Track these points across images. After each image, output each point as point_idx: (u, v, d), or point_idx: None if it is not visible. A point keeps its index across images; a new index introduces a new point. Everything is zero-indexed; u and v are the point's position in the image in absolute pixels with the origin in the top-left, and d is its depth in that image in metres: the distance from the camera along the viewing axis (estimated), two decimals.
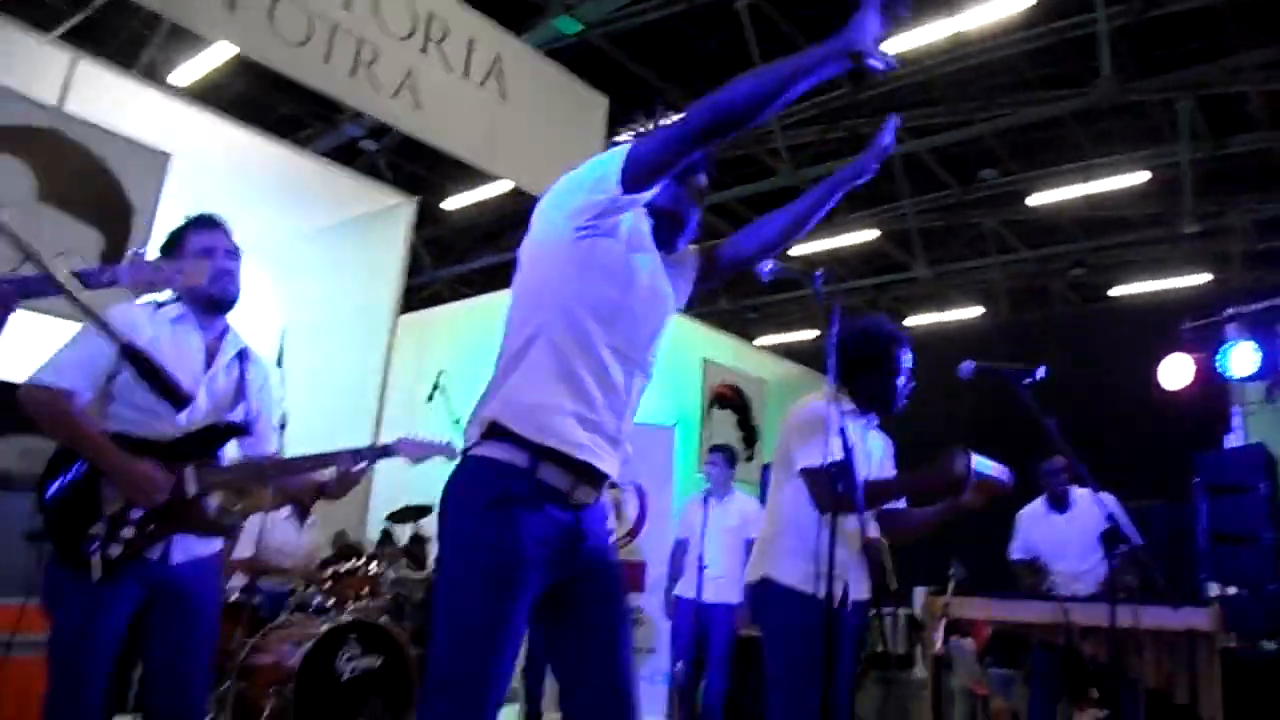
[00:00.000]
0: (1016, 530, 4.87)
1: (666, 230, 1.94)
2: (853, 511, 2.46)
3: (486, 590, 1.66)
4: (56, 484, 2.14)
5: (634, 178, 1.72)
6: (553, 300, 1.79)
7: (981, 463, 2.66)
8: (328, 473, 2.47)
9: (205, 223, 2.44)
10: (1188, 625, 3.64)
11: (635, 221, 1.87)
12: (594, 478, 1.80)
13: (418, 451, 2.66)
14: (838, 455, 2.46)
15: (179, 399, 1.14)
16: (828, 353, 2.49)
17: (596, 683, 1.76)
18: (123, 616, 2.14)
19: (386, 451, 2.61)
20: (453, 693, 1.63)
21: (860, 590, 2.83)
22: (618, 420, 1.82)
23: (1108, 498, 4.56)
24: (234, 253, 2.43)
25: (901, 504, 2.99)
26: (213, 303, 2.39)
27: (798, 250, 12.44)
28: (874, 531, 2.94)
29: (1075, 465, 4.41)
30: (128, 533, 2.13)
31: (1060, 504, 4.65)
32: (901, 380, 2.91)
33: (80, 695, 2.08)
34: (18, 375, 2.22)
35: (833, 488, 2.46)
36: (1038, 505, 4.80)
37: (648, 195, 1.77)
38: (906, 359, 2.94)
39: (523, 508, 1.70)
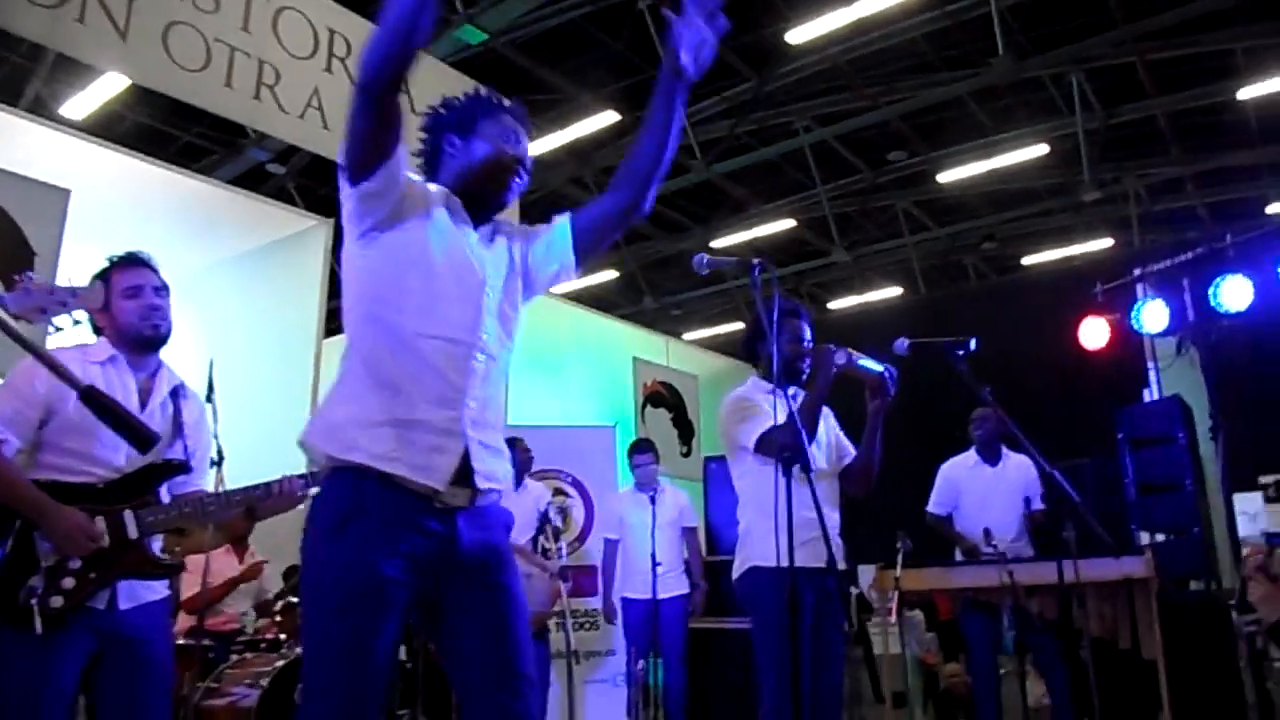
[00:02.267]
0: (938, 482, 4.87)
1: (479, 195, 1.89)
2: (807, 449, 2.49)
3: (344, 612, 1.60)
4: None
5: (351, 167, 1.69)
6: (360, 314, 1.77)
7: (861, 358, 2.92)
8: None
9: (130, 261, 2.38)
10: (1125, 574, 3.80)
11: (429, 205, 1.80)
12: (463, 479, 1.70)
13: None
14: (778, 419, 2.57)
15: (145, 440, 1.10)
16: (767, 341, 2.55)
17: (489, 671, 1.69)
18: (73, 672, 2.05)
19: (317, 479, 2.57)
20: (323, 716, 1.59)
21: (840, 558, 2.91)
22: (454, 410, 1.70)
23: (1026, 461, 4.68)
24: (163, 289, 2.37)
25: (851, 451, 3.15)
26: (144, 341, 2.32)
27: (716, 242, 12.58)
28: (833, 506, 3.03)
29: (1006, 423, 4.55)
30: (68, 583, 2.04)
31: (992, 456, 4.72)
32: (803, 345, 3.03)
33: None
34: None
35: (787, 437, 2.52)
36: (966, 456, 4.83)
37: (383, 171, 1.69)
38: (802, 328, 3.06)
39: (369, 523, 1.63)
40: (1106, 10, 8.31)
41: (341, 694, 1.58)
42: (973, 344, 2.80)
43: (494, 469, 1.77)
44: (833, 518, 2.94)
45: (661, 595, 5.09)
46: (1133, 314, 4.99)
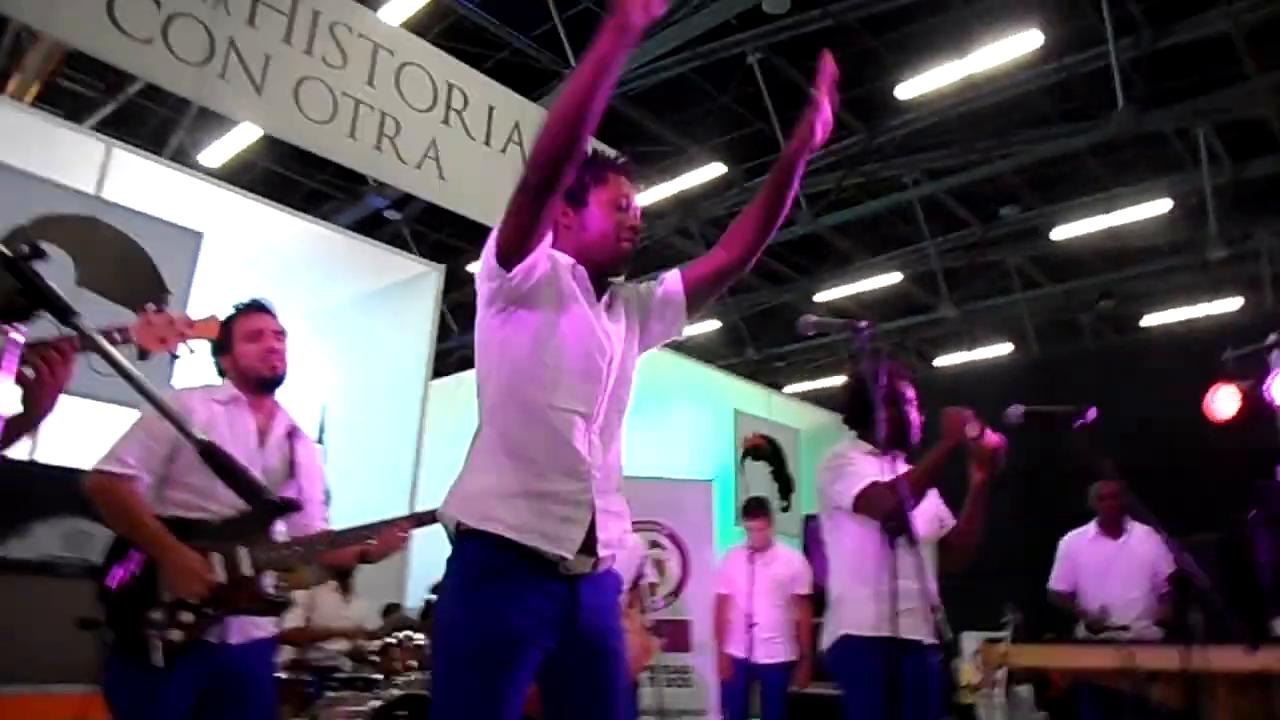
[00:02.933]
0: (1059, 557, 4.68)
1: (599, 266, 1.93)
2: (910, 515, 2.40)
3: (479, 663, 1.67)
4: (116, 571, 2.15)
5: (505, 254, 1.75)
6: (496, 386, 1.82)
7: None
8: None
9: (253, 307, 2.52)
10: (1263, 666, 3.52)
11: (558, 281, 1.85)
12: (587, 546, 1.77)
13: None
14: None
15: (255, 494, 1.13)
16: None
17: None
18: (183, 704, 2.12)
19: (430, 518, 2.61)
20: None
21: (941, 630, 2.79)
22: (583, 481, 1.78)
23: (1153, 531, 4.44)
24: (281, 333, 2.49)
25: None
26: (263, 382, 2.43)
27: (821, 296, 12.46)
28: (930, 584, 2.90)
29: (1126, 495, 4.33)
30: (187, 617, 2.12)
31: (1114, 529, 4.50)
32: (910, 412, 2.93)
33: None
34: (63, 459, 2.24)
35: (890, 491, 2.44)
36: (1087, 529, 4.63)
37: (530, 259, 1.76)
38: (908, 390, 2.96)
39: (505, 582, 1.71)
40: (1236, 61, 7.98)
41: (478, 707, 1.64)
42: (1091, 414, 2.66)
43: (614, 536, 1.84)
44: (931, 588, 2.80)
45: (761, 659, 4.95)
46: (1268, 383, 4.69)
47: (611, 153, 2.03)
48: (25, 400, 1.62)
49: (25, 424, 1.60)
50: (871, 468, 2.75)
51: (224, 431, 2.30)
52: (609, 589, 1.87)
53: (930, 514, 2.94)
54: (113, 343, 1.76)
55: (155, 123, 8.99)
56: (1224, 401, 4.82)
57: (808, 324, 2.36)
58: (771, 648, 4.96)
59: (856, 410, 3.01)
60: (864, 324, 2.30)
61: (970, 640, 6.39)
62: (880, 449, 2.74)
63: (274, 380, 2.45)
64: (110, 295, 5.36)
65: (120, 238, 5.43)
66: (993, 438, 2.81)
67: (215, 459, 1.02)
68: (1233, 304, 11.44)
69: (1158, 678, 3.66)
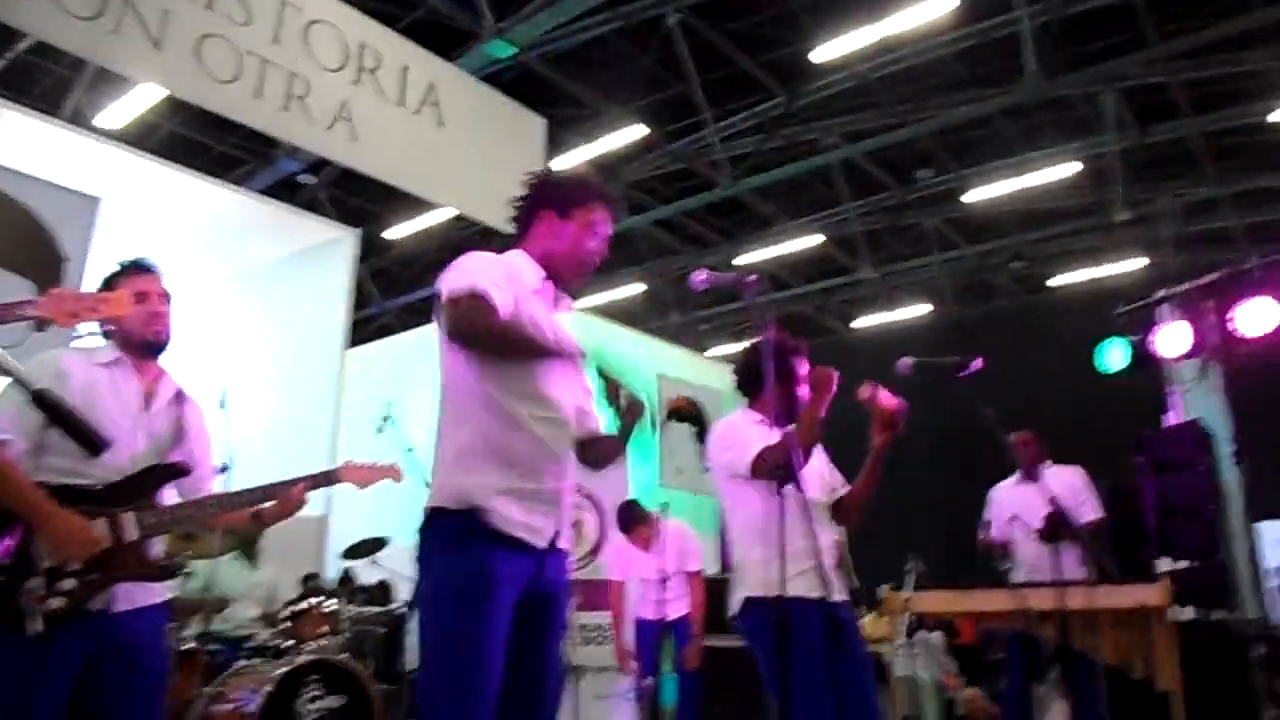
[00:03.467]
0: (988, 507, 4.84)
1: (560, 278, 2.17)
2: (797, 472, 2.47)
3: (464, 602, 1.88)
4: None
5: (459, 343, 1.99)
6: (476, 398, 2.01)
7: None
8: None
9: (137, 268, 2.43)
10: (1139, 601, 3.72)
11: (529, 302, 2.04)
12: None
13: (363, 476, 2.68)
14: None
15: (94, 445, 1.12)
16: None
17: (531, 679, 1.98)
18: (68, 675, 2.07)
19: (331, 478, 2.60)
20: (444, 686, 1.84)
21: (842, 591, 2.84)
22: (560, 481, 2.04)
23: (1072, 473, 4.62)
24: (166, 295, 2.41)
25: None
26: (146, 346, 2.36)
27: (742, 258, 12.57)
28: (831, 534, 2.96)
29: (1042, 442, 4.49)
30: (68, 584, 2.07)
31: (1032, 474, 4.64)
32: (800, 389, 2.94)
33: None
34: None
35: (781, 451, 2.51)
36: (1011, 478, 4.80)
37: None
38: (801, 367, 2.98)
39: (488, 544, 1.92)
40: (1139, 29, 8.22)
41: (460, 673, 1.84)
42: (976, 364, 2.74)
43: (569, 523, 2.11)
44: (827, 539, 2.84)
45: (672, 615, 5.02)
46: (1152, 336, 4.90)
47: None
48: None
49: None
50: (760, 435, 2.79)
51: (105, 394, 2.23)
52: (563, 562, 2.11)
53: (819, 476, 2.96)
54: (15, 318, 1.71)
55: (49, 82, 8.59)
56: (1113, 355, 5.02)
57: (698, 280, 2.38)
58: (681, 604, 5.03)
59: (749, 381, 3.07)
60: (752, 277, 2.34)
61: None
62: (769, 421, 2.82)
63: (157, 345, 2.38)
64: (3, 263, 5.17)
65: (10, 203, 5.23)
66: (890, 400, 2.85)
67: (47, 405, 1.00)
68: (1137, 264, 11.88)
69: (1048, 617, 3.85)
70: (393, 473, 2.71)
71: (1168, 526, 4.80)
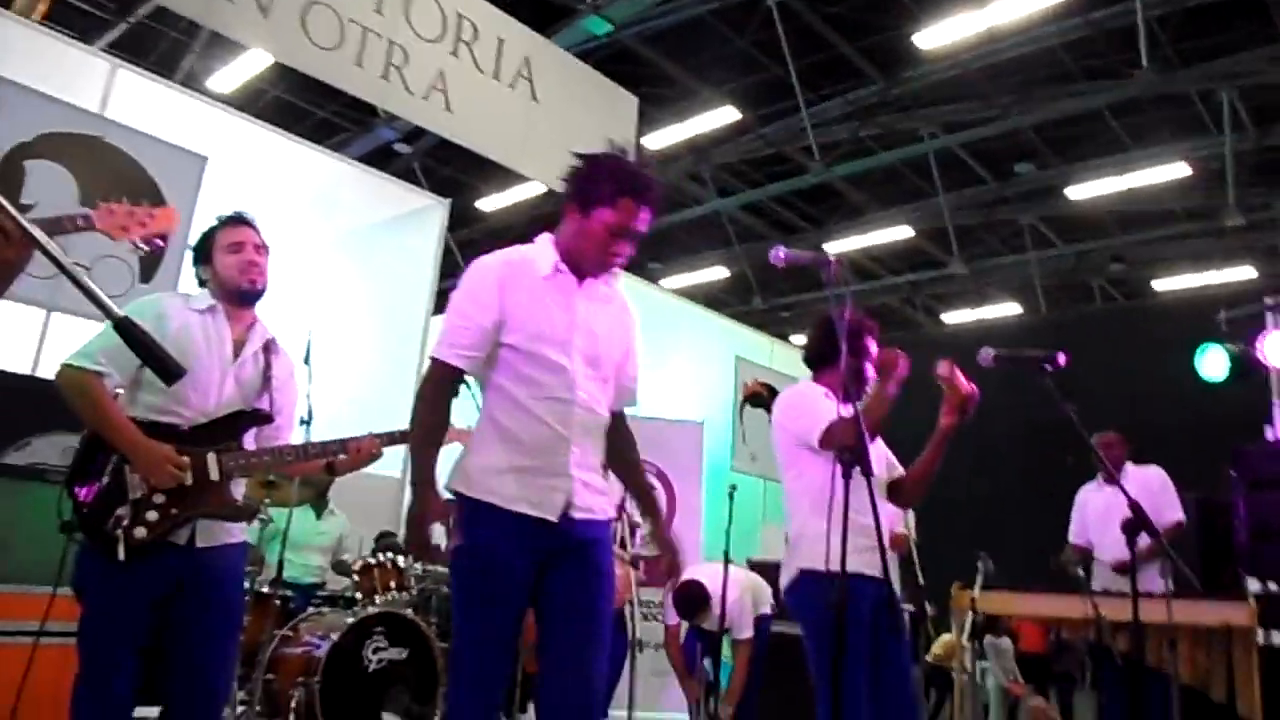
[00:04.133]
0: (1075, 510, 4.78)
1: (578, 268, 2.20)
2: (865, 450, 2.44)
3: (478, 583, 2.07)
4: (84, 472, 2.20)
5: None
6: (485, 382, 2.18)
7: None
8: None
9: (234, 220, 2.53)
10: (1224, 620, 3.57)
11: (530, 292, 2.16)
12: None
13: None
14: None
15: (169, 373, 1.17)
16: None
17: (555, 656, 2.08)
18: (147, 600, 2.19)
19: (403, 436, 2.65)
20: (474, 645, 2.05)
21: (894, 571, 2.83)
22: (563, 456, 2.11)
23: (1154, 473, 4.48)
24: (262, 247, 2.49)
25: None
26: (241, 294, 2.44)
27: (830, 245, 12.39)
28: (899, 526, 2.94)
29: (1126, 444, 4.36)
30: (151, 515, 2.18)
31: (1114, 477, 4.50)
32: (867, 366, 2.91)
33: (109, 681, 2.13)
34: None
35: (851, 426, 2.46)
36: (1094, 481, 4.72)
37: (480, 338, 2.13)
38: (871, 345, 2.95)
39: (496, 523, 2.06)
40: (1264, 23, 7.79)
41: (486, 631, 2.04)
42: (1061, 359, 2.64)
43: (592, 504, 2.15)
44: (886, 518, 2.82)
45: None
46: (1259, 343, 4.65)
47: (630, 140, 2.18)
48: None
49: None
50: (829, 408, 2.78)
51: (198, 339, 2.33)
52: (600, 528, 2.18)
53: (880, 457, 2.96)
54: (74, 228, 1.79)
55: (166, 46, 8.95)
56: (1214, 362, 4.79)
57: (779, 255, 2.36)
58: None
59: (818, 354, 3.07)
60: (832, 258, 2.30)
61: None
62: (836, 395, 2.81)
63: (253, 293, 2.46)
64: None
65: (123, 157, 5.46)
66: (965, 384, 2.80)
67: (127, 331, 1.05)
68: (1245, 272, 11.31)
69: (1121, 628, 3.72)
70: (466, 436, 2.75)
71: (1260, 546, 4.57)
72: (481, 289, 2.13)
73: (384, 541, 5.70)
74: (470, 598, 2.09)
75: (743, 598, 4.86)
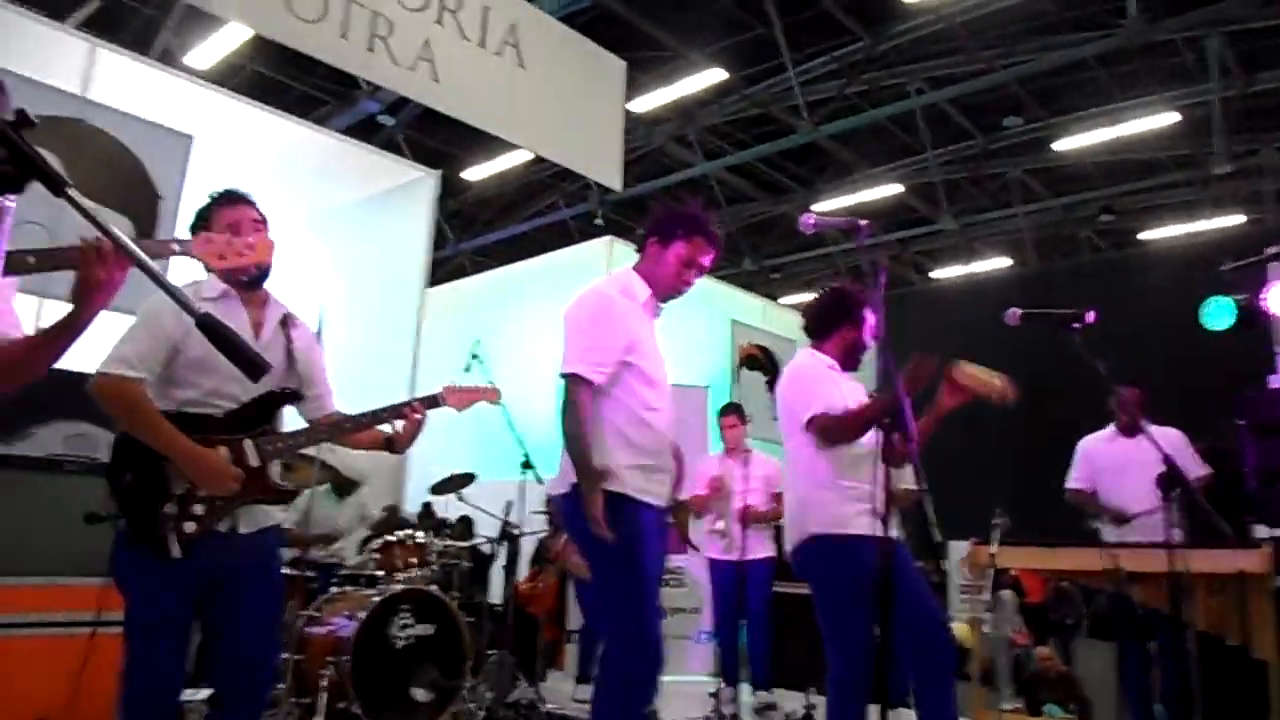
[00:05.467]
0: (1077, 458, 4.77)
1: (658, 295, 2.77)
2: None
3: (627, 553, 2.48)
4: (126, 468, 2.16)
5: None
6: (606, 395, 2.61)
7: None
8: (391, 427, 2.53)
9: (230, 198, 2.44)
10: (1238, 567, 3.61)
11: (638, 329, 2.68)
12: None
13: (463, 398, 2.72)
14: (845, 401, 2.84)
15: (256, 367, 1.14)
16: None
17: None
18: (194, 592, 2.16)
19: (434, 401, 2.63)
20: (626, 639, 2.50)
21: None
22: (666, 454, 2.65)
23: (1173, 433, 4.52)
24: (262, 222, 2.41)
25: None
26: (249, 275, 2.37)
27: (819, 205, 12.34)
28: (914, 483, 2.94)
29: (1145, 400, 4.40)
30: (199, 509, 2.16)
31: (1131, 430, 4.53)
32: (865, 337, 3.07)
33: (159, 671, 2.11)
34: (63, 363, 2.22)
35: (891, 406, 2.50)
36: (1105, 431, 4.72)
37: (613, 356, 2.61)
38: (869, 318, 3.08)
39: (635, 509, 2.54)
40: None
41: (638, 596, 2.50)
42: (1090, 316, 2.64)
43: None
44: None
45: (748, 555, 5.07)
46: (1264, 294, 4.67)
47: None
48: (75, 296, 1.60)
49: (74, 324, 1.63)
50: (834, 388, 2.88)
51: None
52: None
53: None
54: (171, 253, 1.76)
55: (139, 23, 8.73)
56: (1218, 312, 4.81)
57: (809, 223, 2.34)
58: (753, 544, 5.07)
59: (820, 324, 3.12)
60: (865, 223, 2.28)
61: (959, 550, 6.54)
62: (837, 365, 2.95)
63: (260, 274, 2.39)
64: (100, 199, 5.29)
65: (108, 139, 5.35)
66: (1002, 389, 2.81)
67: (214, 332, 1.02)
68: (1235, 220, 11.36)
69: (1140, 579, 3.77)
70: (490, 394, 2.77)
71: (1270, 492, 4.62)
72: (611, 317, 2.62)
73: (390, 515, 5.70)
74: (614, 550, 2.48)
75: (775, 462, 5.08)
